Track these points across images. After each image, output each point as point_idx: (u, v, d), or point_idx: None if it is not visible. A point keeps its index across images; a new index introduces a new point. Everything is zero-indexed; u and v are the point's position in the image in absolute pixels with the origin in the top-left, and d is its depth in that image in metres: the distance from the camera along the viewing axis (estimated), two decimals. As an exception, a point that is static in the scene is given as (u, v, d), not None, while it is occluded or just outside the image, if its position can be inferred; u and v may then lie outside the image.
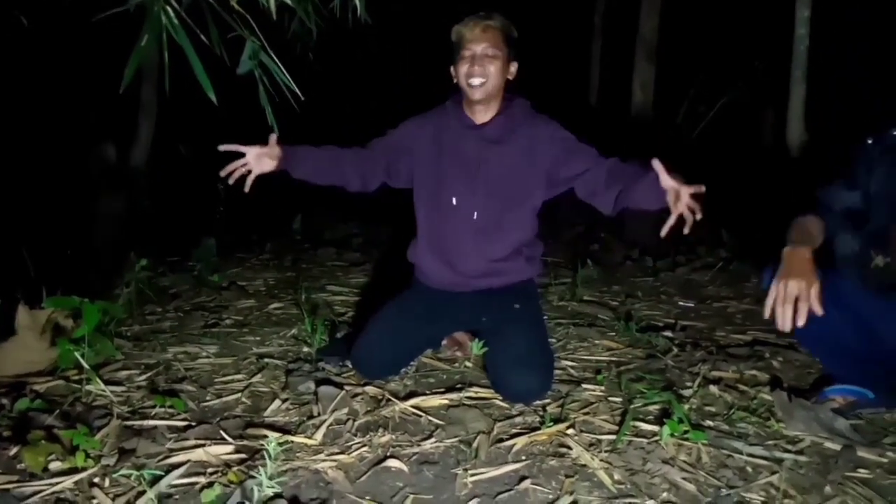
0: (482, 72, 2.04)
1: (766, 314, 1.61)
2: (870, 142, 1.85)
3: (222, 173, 2.04)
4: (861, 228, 1.78)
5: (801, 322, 1.55)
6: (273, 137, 2.06)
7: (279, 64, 2.16)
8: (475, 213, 2.11)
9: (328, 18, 2.72)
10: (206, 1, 2.08)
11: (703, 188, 1.64)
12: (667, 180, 1.69)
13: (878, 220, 1.75)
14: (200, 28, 2.05)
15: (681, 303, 3.16)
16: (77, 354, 1.90)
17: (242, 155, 2.02)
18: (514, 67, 2.12)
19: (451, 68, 2.12)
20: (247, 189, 2.00)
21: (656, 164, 1.71)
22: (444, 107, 2.20)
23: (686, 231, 1.64)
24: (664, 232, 1.66)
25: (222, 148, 2.01)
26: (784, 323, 1.58)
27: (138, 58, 1.88)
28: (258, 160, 2.03)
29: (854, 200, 1.84)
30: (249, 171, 2.02)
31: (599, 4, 6.72)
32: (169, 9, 1.94)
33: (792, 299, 1.58)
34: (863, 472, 1.51)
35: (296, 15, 2.90)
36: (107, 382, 1.91)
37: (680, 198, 1.66)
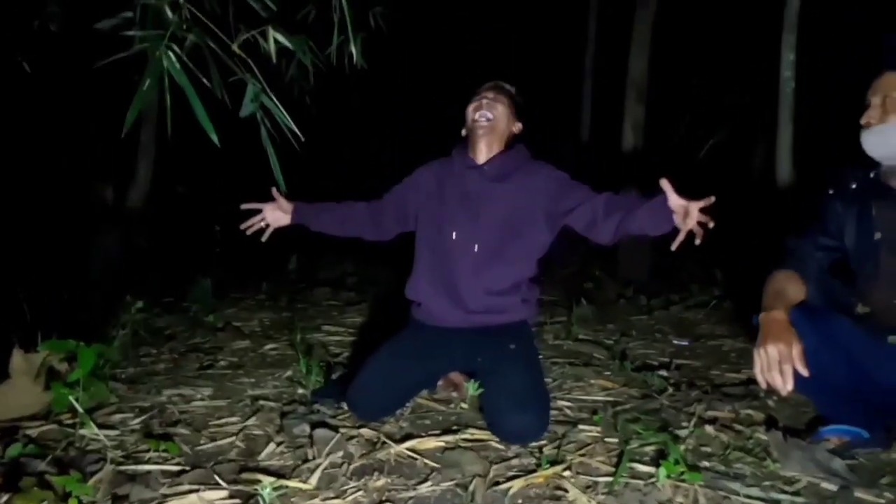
0: (490, 106, 2.22)
1: (762, 385, 1.68)
2: (831, 192, 1.93)
3: (242, 227, 2.33)
4: (841, 276, 1.83)
5: (789, 386, 1.60)
6: (275, 192, 2.31)
7: (280, 106, 2.21)
8: (476, 246, 2.18)
9: (326, 64, 2.78)
10: (207, 45, 2.14)
11: (712, 199, 1.69)
12: (675, 199, 1.75)
13: (858, 273, 1.79)
14: (201, 71, 2.09)
15: (675, 341, 3.17)
16: (71, 398, 1.89)
17: (259, 210, 2.32)
18: (518, 126, 2.31)
19: (463, 130, 2.30)
20: (263, 239, 2.30)
21: (664, 184, 1.76)
22: (450, 155, 2.34)
23: (697, 242, 1.70)
24: (675, 245, 1.72)
25: (245, 206, 2.32)
26: (777, 387, 1.64)
27: (140, 101, 1.92)
28: (273, 214, 2.33)
29: (829, 247, 1.91)
30: (267, 225, 2.33)
31: (590, 46, 6.87)
32: (171, 53, 1.98)
33: (776, 365, 1.64)
34: (860, 514, 1.50)
35: (294, 59, 2.97)
36: (101, 426, 1.90)
37: (690, 214, 1.70)
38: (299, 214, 2.36)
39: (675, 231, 1.79)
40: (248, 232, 2.33)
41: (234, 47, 2.22)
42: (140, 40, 2.03)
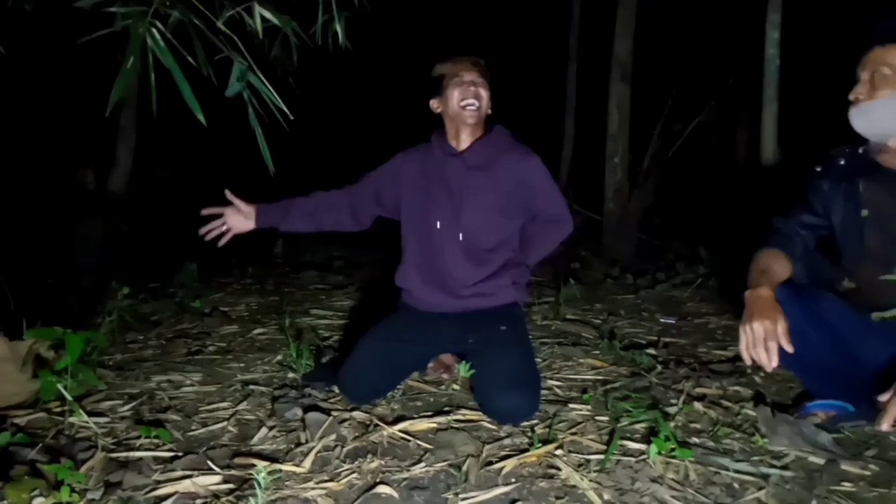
0: (476, 94, 2.17)
1: (747, 361, 1.71)
2: (818, 169, 1.93)
3: (201, 231, 2.24)
4: (827, 254, 1.85)
5: (774, 362, 1.62)
6: (230, 195, 2.24)
7: (268, 85, 2.17)
8: (460, 235, 2.18)
9: (310, 45, 2.74)
10: (191, 21, 2.09)
11: None
12: None
13: (844, 250, 1.81)
14: (186, 49, 2.05)
15: (662, 320, 3.20)
16: (60, 386, 1.88)
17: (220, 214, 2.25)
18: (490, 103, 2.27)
19: (433, 101, 2.21)
20: (220, 244, 2.23)
21: None
22: (428, 141, 2.30)
23: None
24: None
25: (205, 212, 2.24)
26: (763, 364, 1.67)
27: (125, 80, 1.88)
28: (234, 219, 2.24)
29: (815, 225, 1.92)
30: (229, 230, 2.24)
31: (574, 27, 6.83)
32: (154, 30, 1.94)
33: (761, 341, 1.66)
34: (847, 486, 1.53)
35: (277, 39, 2.93)
36: (90, 413, 1.89)
37: None
38: (264, 217, 2.28)
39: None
40: (207, 238, 2.24)
41: (220, 24, 2.17)
42: (122, 17, 1.99)
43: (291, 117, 2.13)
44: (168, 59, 1.95)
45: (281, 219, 2.29)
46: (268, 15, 2.36)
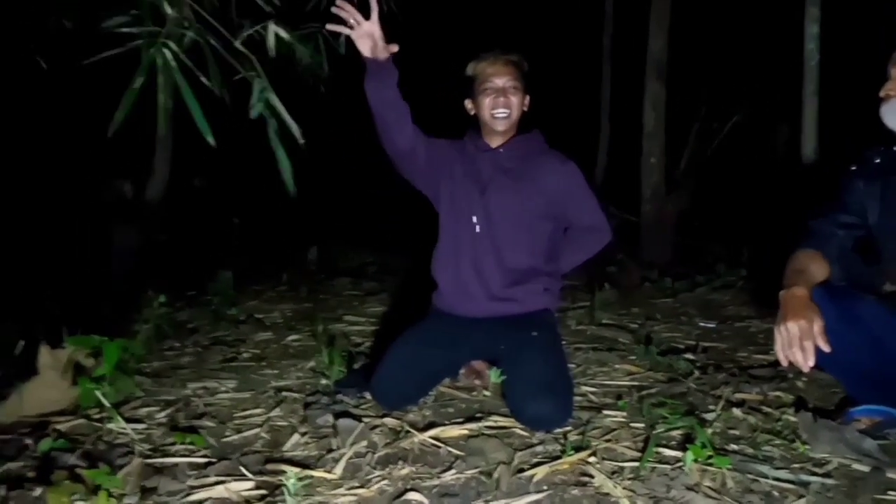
0: (506, 103, 2.14)
1: (783, 362, 1.67)
2: (853, 168, 1.88)
3: (335, 7, 1.89)
4: (865, 255, 1.79)
5: (810, 362, 1.58)
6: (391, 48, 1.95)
7: (281, 106, 2.16)
8: (482, 233, 2.17)
9: (337, 53, 2.76)
10: (207, 41, 2.10)
11: None
12: None
13: (883, 251, 1.75)
14: (203, 68, 2.06)
15: (701, 324, 3.13)
16: (98, 393, 1.91)
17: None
18: (527, 100, 2.22)
19: (467, 101, 2.21)
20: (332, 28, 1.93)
21: None
22: (464, 138, 2.29)
23: None
24: None
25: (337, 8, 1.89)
26: (799, 364, 1.62)
27: (130, 100, 1.89)
28: (366, 32, 1.91)
29: (851, 225, 1.86)
30: (351, 28, 1.91)
31: (608, 26, 6.77)
32: (166, 50, 1.96)
33: (797, 341, 1.61)
34: (892, 495, 1.47)
35: (301, 52, 2.95)
36: (128, 420, 1.92)
37: None
38: (379, 64, 1.95)
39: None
40: (333, 22, 1.91)
41: (237, 44, 2.19)
42: (133, 38, 2.02)
43: (302, 141, 2.11)
44: (178, 78, 1.95)
45: (384, 78, 1.99)
46: (282, 33, 2.37)
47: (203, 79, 2.04)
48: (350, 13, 1.90)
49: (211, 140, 1.91)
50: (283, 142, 2.15)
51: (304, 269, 4.69)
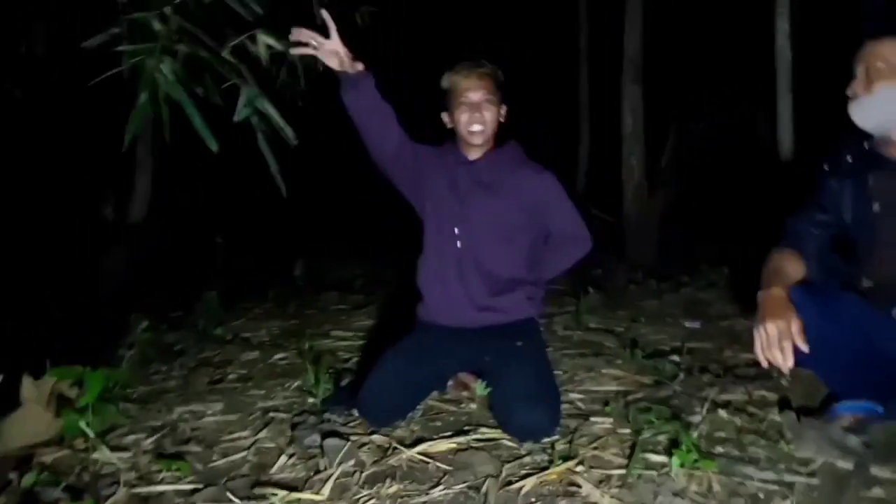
0: (481, 118, 2.15)
1: (763, 363, 1.68)
2: (825, 167, 1.91)
3: (293, 33, 1.92)
4: (842, 252, 1.81)
5: (789, 362, 1.59)
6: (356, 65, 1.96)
7: (274, 109, 2.19)
8: (464, 246, 2.18)
9: (314, 67, 2.76)
10: (198, 54, 2.12)
11: None
12: None
13: (858, 248, 1.77)
14: (195, 80, 2.08)
15: (686, 324, 3.14)
16: (81, 424, 1.90)
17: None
18: (504, 110, 2.23)
19: (444, 114, 2.21)
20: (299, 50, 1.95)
21: None
22: (443, 146, 2.29)
23: None
24: None
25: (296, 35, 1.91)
26: (778, 364, 1.64)
27: (139, 116, 1.92)
28: (330, 51, 1.93)
29: (827, 223, 1.89)
30: (315, 49, 1.92)
31: (583, 28, 6.81)
32: (163, 67, 1.97)
33: (776, 342, 1.63)
34: (878, 491, 1.48)
35: (284, 63, 2.96)
36: (113, 449, 1.91)
37: None
38: (350, 76, 1.96)
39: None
40: (293, 48, 1.96)
41: (225, 54, 2.20)
42: (130, 55, 2.03)
43: (295, 142, 2.14)
44: (178, 93, 1.99)
45: (359, 91, 2.00)
46: (271, 41, 2.38)
47: (199, 91, 2.06)
48: (309, 36, 1.92)
49: (214, 147, 1.93)
50: (272, 147, 2.19)
51: (291, 284, 4.66)
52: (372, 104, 2.04)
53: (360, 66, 1.98)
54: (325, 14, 1.94)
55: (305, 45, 1.93)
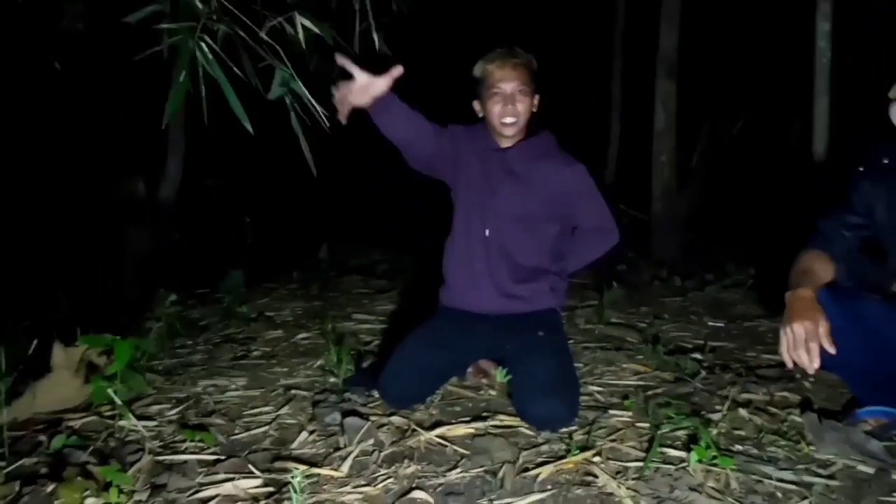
0: (514, 111, 2.12)
1: (788, 364, 1.66)
2: (860, 169, 1.88)
3: (337, 98, 1.99)
4: (872, 256, 1.78)
5: (815, 363, 1.58)
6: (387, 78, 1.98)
7: (307, 91, 2.21)
8: (492, 233, 2.18)
9: (351, 53, 2.78)
10: (237, 34, 2.15)
11: None
12: None
13: (889, 251, 1.74)
14: (232, 60, 2.11)
15: (710, 323, 3.13)
16: (110, 391, 1.94)
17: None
18: (537, 100, 2.20)
19: (475, 103, 2.20)
20: (343, 121, 2.01)
21: None
22: (475, 128, 2.25)
23: None
24: None
25: (340, 62, 1.95)
26: (804, 365, 1.62)
27: (179, 94, 1.95)
28: (361, 91, 1.96)
29: (858, 226, 1.86)
30: (350, 105, 1.97)
31: (619, 23, 6.75)
32: (203, 44, 2.00)
33: (802, 343, 1.61)
34: (898, 497, 1.47)
35: (313, 50, 2.98)
36: (139, 417, 1.95)
37: None
38: (381, 103, 1.99)
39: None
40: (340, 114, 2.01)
41: (262, 34, 2.23)
42: (171, 33, 2.06)
43: (328, 124, 2.16)
44: (217, 72, 2.02)
45: (390, 116, 2.04)
46: (308, 24, 2.40)
47: (237, 70, 2.09)
48: (344, 103, 1.98)
49: (249, 127, 1.96)
50: (305, 129, 2.22)
51: (315, 267, 4.71)
52: (403, 116, 2.06)
53: (384, 87, 1.97)
54: (343, 60, 1.96)
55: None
